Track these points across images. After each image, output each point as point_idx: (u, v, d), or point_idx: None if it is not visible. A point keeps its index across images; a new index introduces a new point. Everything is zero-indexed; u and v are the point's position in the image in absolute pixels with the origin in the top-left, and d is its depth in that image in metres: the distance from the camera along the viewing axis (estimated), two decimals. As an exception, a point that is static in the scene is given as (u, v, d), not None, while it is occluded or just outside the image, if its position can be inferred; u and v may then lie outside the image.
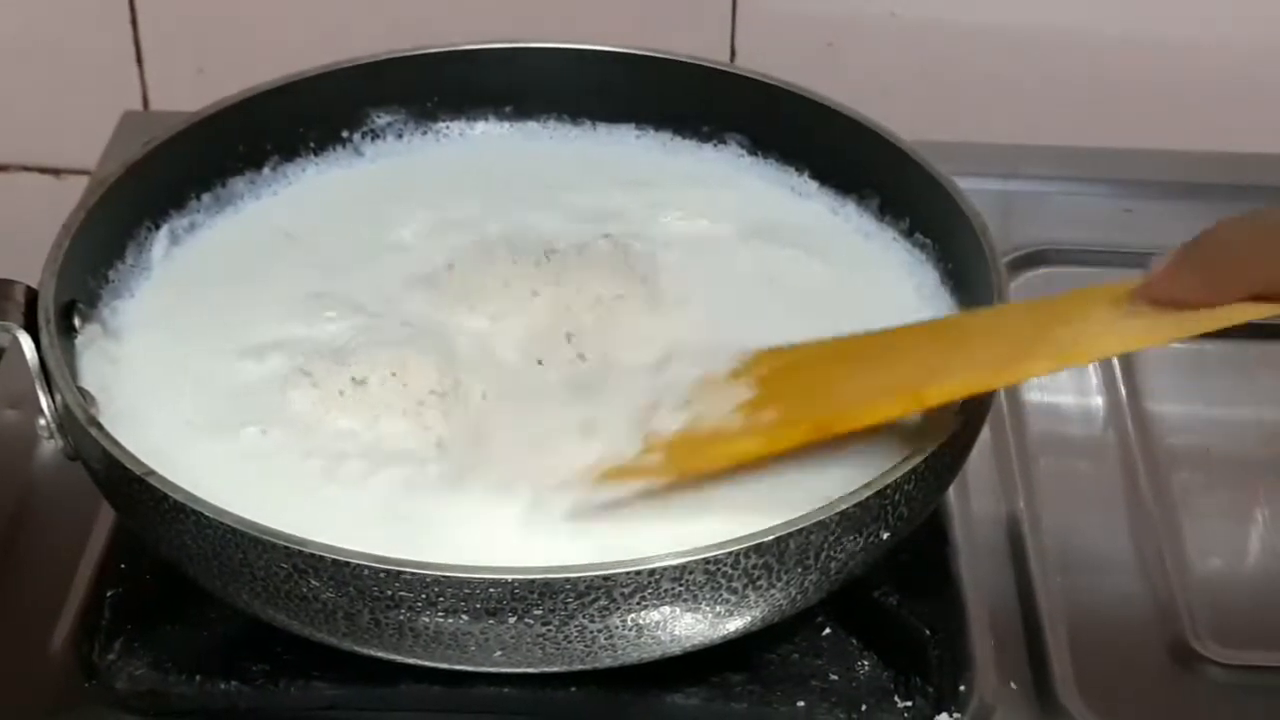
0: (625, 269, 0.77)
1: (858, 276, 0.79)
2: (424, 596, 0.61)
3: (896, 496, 0.64)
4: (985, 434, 0.73)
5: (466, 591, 0.60)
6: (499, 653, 0.63)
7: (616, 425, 0.70)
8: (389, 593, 0.61)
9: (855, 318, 0.72)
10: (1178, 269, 0.61)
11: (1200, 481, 0.81)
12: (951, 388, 0.65)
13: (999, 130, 1.00)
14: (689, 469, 0.67)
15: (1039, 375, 0.66)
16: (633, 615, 0.62)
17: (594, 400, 0.71)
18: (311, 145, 0.84)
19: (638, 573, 0.61)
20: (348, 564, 0.60)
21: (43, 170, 1.12)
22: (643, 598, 0.61)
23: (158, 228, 0.79)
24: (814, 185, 0.83)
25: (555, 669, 0.64)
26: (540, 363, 0.73)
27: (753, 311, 0.76)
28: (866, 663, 0.71)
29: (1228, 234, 0.60)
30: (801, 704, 0.70)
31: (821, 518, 0.62)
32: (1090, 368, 0.86)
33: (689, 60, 0.85)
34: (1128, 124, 1.02)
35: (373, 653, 0.65)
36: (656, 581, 0.61)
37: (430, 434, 0.70)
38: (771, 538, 0.62)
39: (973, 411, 0.67)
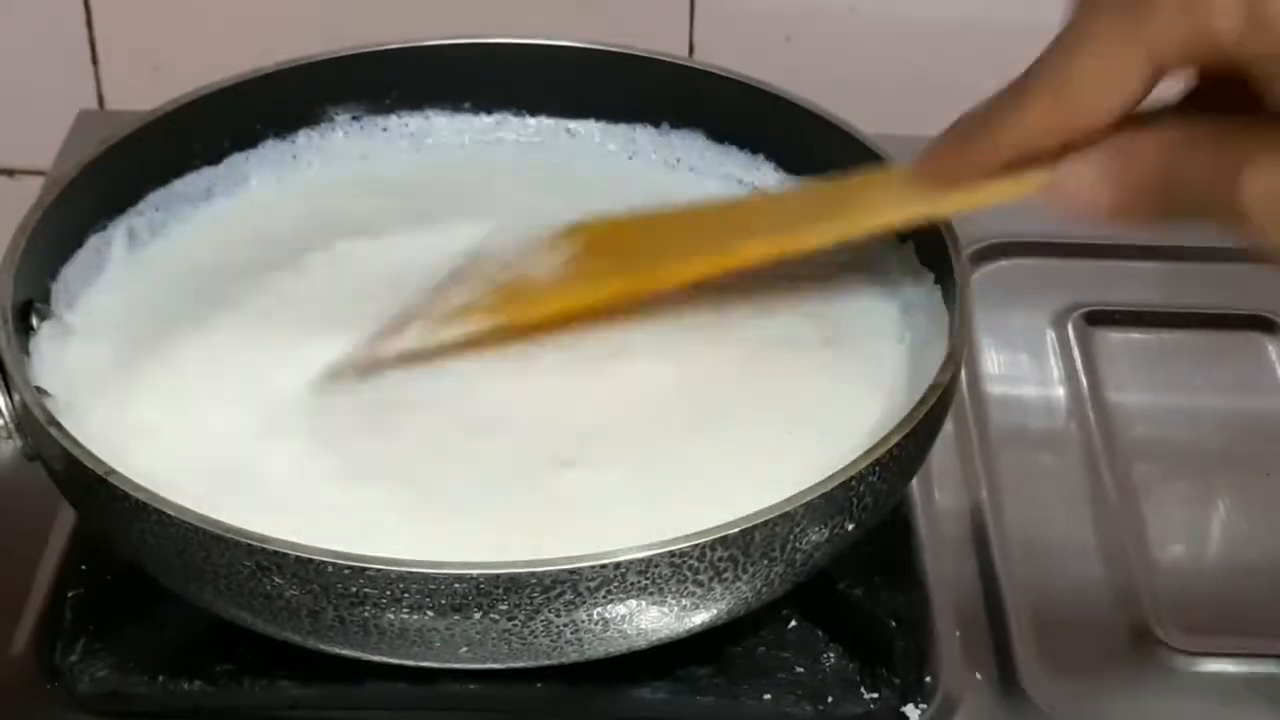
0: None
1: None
2: (388, 593, 0.60)
3: (861, 488, 0.64)
4: (948, 426, 0.73)
5: (431, 587, 0.60)
6: (465, 649, 0.62)
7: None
8: (353, 589, 0.60)
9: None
10: (940, 144, 0.64)
11: (1161, 471, 0.81)
12: (751, 249, 0.71)
13: (958, 123, 1.00)
14: (520, 315, 0.72)
15: (821, 244, 0.70)
16: (599, 609, 0.61)
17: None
18: (269, 142, 0.84)
19: (603, 566, 0.60)
20: (311, 561, 0.60)
21: (-4, 170, 1.12)
22: (609, 591, 0.61)
23: (115, 226, 0.78)
24: (775, 178, 0.83)
25: (521, 664, 0.64)
26: None
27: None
28: (832, 655, 0.71)
29: (980, 106, 0.62)
30: (768, 697, 0.70)
31: (787, 509, 0.62)
32: (1051, 359, 0.86)
33: (647, 54, 0.85)
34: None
35: (337, 650, 0.64)
36: (623, 575, 0.61)
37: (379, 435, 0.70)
38: (737, 530, 0.61)
39: (934, 400, 0.67)
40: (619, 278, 0.73)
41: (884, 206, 0.68)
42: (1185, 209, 0.57)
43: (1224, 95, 0.56)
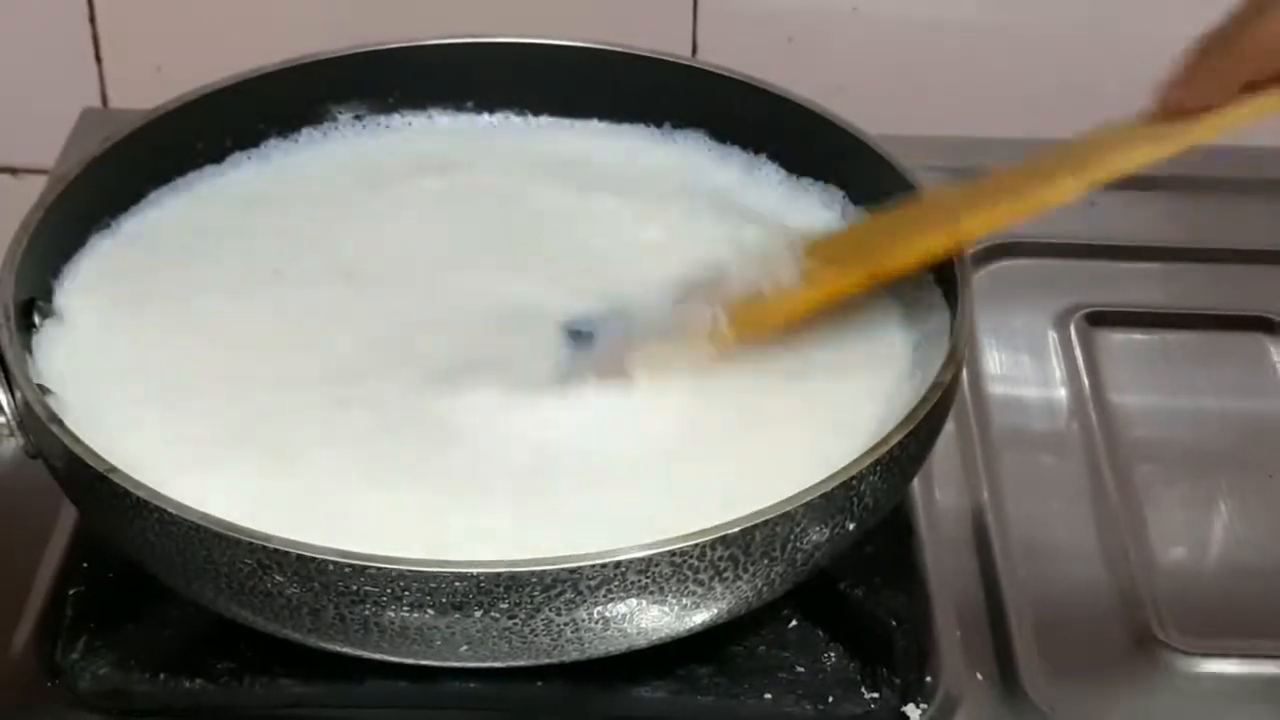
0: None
1: None
2: (389, 591, 0.60)
3: (862, 487, 0.64)
4: (950, 427, 0.73)
5: (432, 586, 0.60)
6: (465, 647, 0.62)
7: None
8: (354, 588, 0.60)
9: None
10: (1182, 75, 0.63)
11: (1163, 472, 0.81)
12: (987, 216, 0.70)
13: (960, 123, 1.01)
14: (755, 327, 0.72)
15: (1067, 196, 0.68)
16: (599, 608, 0.61)
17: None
18: (271, 141, 0.84)
19: (604, 565, 0.60)
20: (312, 559, 0.60)
21: (0, 169, 1.12)
22: (609, 590, 0.61)
23: (118, 224, 0.79)
24: (777, 178, 0.83)
25: (522, 663, 0.64)
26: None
27: None
28: (833, 654, 0.71)
29: (1219, 30, 0.62)
30: (768, 696, 0.70)
31: (788, 509, 0.62)
32: (1053, 359, 0.86)
33: (650, 54, 0.85)
34: (1089, 117, 1.02)
35: (338, 649, 0.64)
36: (623, 574, 0.61)
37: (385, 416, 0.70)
38: (738, 529, 0.61)
39: (935, 400, 0.67)
40: (851, 272, 0.72)
41: (1130, 148, 0.67)
42: None
43: None
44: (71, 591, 0.72)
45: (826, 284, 0.72)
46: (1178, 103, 0.64)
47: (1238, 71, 0.62)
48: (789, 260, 0.73)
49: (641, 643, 0.65)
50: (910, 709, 0.70)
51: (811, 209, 0.82)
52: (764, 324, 0.72)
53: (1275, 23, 0.60)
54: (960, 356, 0.69)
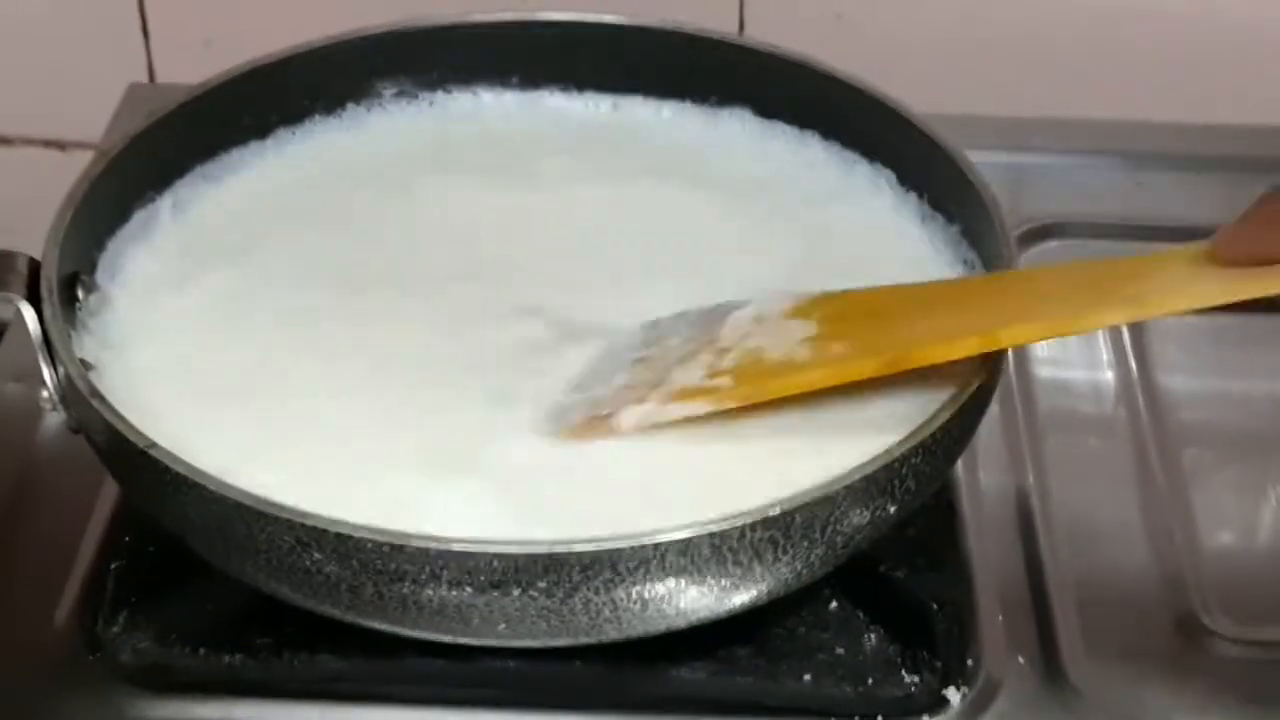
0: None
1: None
2: (427, 570, 0.60)
3: (904, 470, 0.64)
4: (994, 409, 0.72)
5: (470, 565, 0.60)
6: (503, 626, 0.62)
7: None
8: (392, 566, 0.60)
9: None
10: (1245, 225, 0.62)
11: (1211, 457, 0.81)
12: (1027, 331, 0.67)
13: (1010, 103, 1.00)
14: (757, 394, 0.67)
15: (1112, 324, 0.70)
16: (638, 589, 0.61)
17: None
18: (317, 117, 0.84)
19: (642, 546, 0.60)
20: (351, 537, 0.60)
21: (48, 143, 1.12)
22: (648, 571, 0.61)
23: (162, 199, 0.79)
24: (824, 157, 0.83)
25: (560, 642, 0.64)
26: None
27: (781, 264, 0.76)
28: (873, 637, 0.71)
29: None
30: (808, 678, 0.69)
31: (828, 491, 0.62)
32: (1100, 341, 0.85)
33: (697, 31, 0.84)
34: (1139, 97, 1.02)
35: (377, 626, 0.64)
36: (662, 555, 0.60)
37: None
38: (778, 511, 0.61)
39: (979, 384, 0.66)
40: (872, 359, 0.67)
41: (1176, 288, 0.64)
42: None
43: None
44: (113, 566, 0.73)
45: (837, 366, 0.67)
46: (1240, 251, 0.62)
47: None
48: (792, 325, 0.69)
49: (680, 623, 0.65)
50: (951, 692, 0.69)
51: (860, 189, 0.81)
52: (767, 390, 0.67)
53: None
54: (1006, 338, 0.68)
